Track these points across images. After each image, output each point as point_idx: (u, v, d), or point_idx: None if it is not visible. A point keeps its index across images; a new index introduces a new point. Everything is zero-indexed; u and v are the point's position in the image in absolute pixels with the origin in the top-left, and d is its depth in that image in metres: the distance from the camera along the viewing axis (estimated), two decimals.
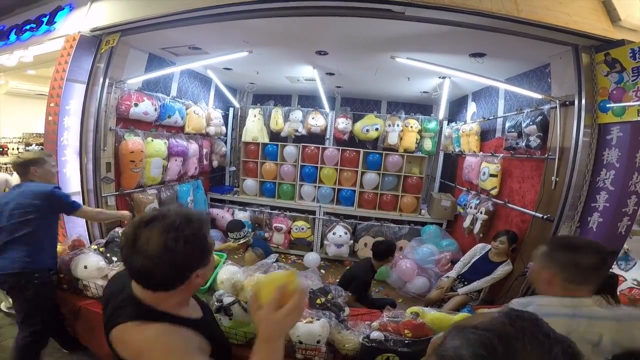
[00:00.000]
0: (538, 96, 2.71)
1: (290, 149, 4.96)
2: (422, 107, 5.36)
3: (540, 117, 2.74)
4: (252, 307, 0.87)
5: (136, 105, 3.27)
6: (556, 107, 2.47)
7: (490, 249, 3.06)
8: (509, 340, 0.50)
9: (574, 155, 2.32)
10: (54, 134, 2.77)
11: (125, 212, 2.69)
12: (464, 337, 0.53)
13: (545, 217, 2.54)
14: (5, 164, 4.30)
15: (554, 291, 1.19)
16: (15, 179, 3.17)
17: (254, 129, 5.24)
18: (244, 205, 5.17)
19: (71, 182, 2.88)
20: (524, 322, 0.53)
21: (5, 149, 5.26)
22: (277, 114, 5.24)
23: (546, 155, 2.63)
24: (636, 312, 1.27)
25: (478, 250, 3.19)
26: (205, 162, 4.70)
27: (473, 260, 3.16)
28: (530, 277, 1.29)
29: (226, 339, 1.36)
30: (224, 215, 5.01)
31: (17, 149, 6.08)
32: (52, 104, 2.78)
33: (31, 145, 3.19)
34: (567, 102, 2.40)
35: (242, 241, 3.11)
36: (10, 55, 3.44)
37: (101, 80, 2.87)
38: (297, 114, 5.17)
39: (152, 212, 0.94)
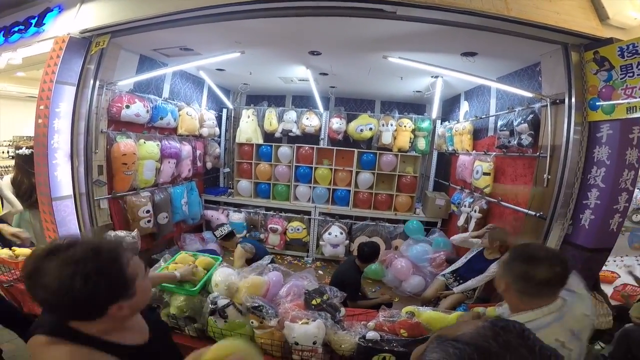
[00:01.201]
0: (529, 94, 2.73)
1: (285, 150, 4.95)
2: (415, 106, 5.38)
3: (531, 116, 2.76)
4: None
5: (128, 107, 3.24)
6: (547, 106, 2.49)
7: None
8: (490, 356, 0.49)
9: (565, 153, 2.34)
10: (44, 136, 2.73)
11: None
12: (444, 350, 0.52)
13: (538, 214, 2.56)
14: None
15: (514, 302, 1.17)
16: (5, 183, 3.12)
17: (248, 129, 5.22)
18: (238, 206, 5.15)
19: (62, 185, 2.84)
20: (509, 335, 0.52)
21: None
22: (271, 114, 5.22)
23: (538, 153, 2.65)
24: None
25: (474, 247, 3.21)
26: (199, 164, 4.66)
27: (469, 257, 3.18)
28: (495, 282, 1.28)
29: None
30: (218, 217, 4.98)
31: (7, 152, 6.00)
32: (41, 107, 2.74)
33: (21, 148, 3.14)
34: (558, 101, 2.41)
35: (225, 232, 3.29)
36: None
37: (91, 82, 2.82)
38: (291, 115, 5.15)
39: (59, 241, 0.82)
